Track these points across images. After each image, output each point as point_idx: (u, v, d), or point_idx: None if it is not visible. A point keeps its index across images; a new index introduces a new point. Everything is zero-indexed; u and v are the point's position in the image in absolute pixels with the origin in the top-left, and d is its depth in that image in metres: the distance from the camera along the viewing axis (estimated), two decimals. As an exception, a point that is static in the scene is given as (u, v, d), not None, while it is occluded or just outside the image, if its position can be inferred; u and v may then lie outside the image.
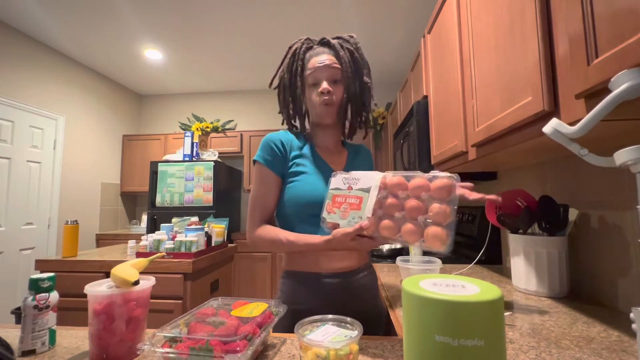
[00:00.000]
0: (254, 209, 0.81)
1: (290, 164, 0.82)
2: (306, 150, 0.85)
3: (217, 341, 0.49)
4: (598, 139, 0.69)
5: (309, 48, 0.85)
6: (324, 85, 0.79)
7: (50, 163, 2.96)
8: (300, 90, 0.83)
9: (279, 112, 0.90)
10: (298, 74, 0.83)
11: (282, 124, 0.90)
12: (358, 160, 0.92)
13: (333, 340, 0.49)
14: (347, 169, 0.87)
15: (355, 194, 0.64)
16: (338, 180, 0.68)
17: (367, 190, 0.62)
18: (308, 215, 0.77)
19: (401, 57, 3.27)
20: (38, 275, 0.62)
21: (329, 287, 0.77)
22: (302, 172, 0.81)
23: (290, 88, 0.84)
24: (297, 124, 0.88)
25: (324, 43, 0.85)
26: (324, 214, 0.67)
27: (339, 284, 0.78)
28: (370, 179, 0.63)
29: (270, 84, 0.88)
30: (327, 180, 0.79)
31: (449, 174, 0.55)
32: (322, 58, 0.80)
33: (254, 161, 0.83)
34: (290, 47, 0.85)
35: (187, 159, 3.01)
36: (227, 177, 3.33)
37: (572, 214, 0.92)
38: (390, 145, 2.96)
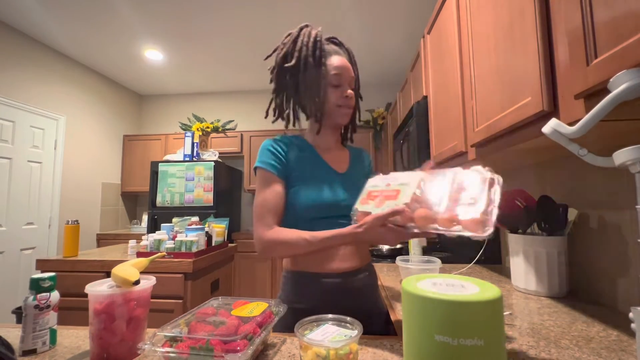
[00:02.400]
0: (263, 214, 0.76)
1: (292, 167, 0.81)
2: (306, 152, 0.84)
3: (217, 341, 0.49)
4: (597, 139, 0.69)
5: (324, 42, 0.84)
6: (350, 90, 0.81)
7: (51, 163, 2.96)
8: (319, 82, 0.79)
9: (277, 94, 0.85)
10: (322, 64, 0.79)
11: (277, 115, 0.86)
12: (359, 164, 0.92)
13: (333, 340, 0.49)
14: (351, 169, 0.87)
15: (393, 187, 0.62)
16: (376, 179, 0.69)
17: (406, 184, 0.61)
18: (312, 218, 0.77)
19: (401, 58, 3.27)
20: (39, 275, 0.62)
21: (330, 287, 0.77)
22: (304, 176, 0.80)
23: (309, 74, 0.79)
24: (299, 113, 0.86)
25: (338, 44, 0.87)
26: (356, 205, 0.66)
27: (340, 284, 0.78)
28: (411, 177, 0.62)
29: (284, 60, 0.82)
30: (329, 182, 0.80)
31: (491, 175, 0.53)
32: (344, 61, 0.81)
33: (255, 168, 0.81)
34: (302, 28, 0.82)
35: (187, 159, 3.02)
36: (227, 177, 3.33)
37: (572, 213, 0.92)
38: (390, 145, 2.96)
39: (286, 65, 0.80)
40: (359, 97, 0.90)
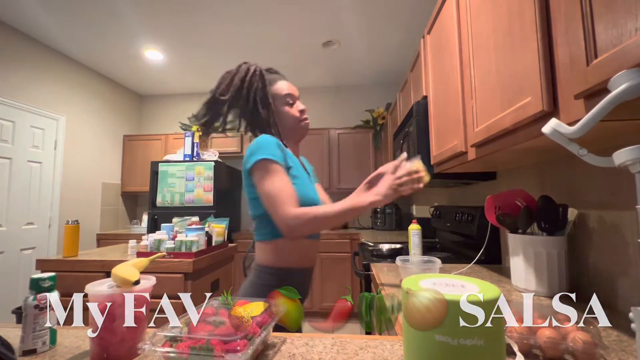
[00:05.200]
0: (284, 197, 0.78)
1: (289, 164, 0.88)
2: (290, 154, 0.92)
3: (217, 340, 0.49)
4: (597, 139, 0.69)
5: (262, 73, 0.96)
6: (302, 105, 0.96)
7: (51, 163, 2.96)
8: (273, 104, 0.94)
9: (245, 123, 0.97)
10: (266, 89, 0.94)
11: (248, 132, 0.98)
12: (310, 170, 1.05)
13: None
14: (311, 175, 1.02)
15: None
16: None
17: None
18: None
19: (401, 58, 3.27)
20: (39, 275, 0.62)
21: (307, 278, 0.95)
22: (297, 176, 0.88)
23: (261, 101, 0.92)
24: (273, 131, 0.96)
25: (275, 72, 1.01)
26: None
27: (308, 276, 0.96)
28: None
29: (223, 94, 0.91)
30: (310, 183, 0.93)
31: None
32: (289, 83, 0.98)
33: (263, 159, 0.81)
34: (240, 66, 0.94)
35: (187, 159, 3.02)
36: (227, 177, 3.33)
37: (572, 213, 0.92)
38: (390, 145, 2.96)
39: (222, 98, 0.91)
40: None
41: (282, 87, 0.95)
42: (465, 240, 1.63)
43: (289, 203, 0.78)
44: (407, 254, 1.58)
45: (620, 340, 0.61)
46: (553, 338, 0.52)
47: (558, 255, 0.89)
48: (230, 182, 3.43)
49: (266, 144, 0.84)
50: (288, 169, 0.86)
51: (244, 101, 0.92)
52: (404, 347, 0.41)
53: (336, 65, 3.41)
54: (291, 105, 0.96)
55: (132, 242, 1.82)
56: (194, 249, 1.64)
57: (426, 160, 1.53)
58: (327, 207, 0.78)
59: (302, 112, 0.96)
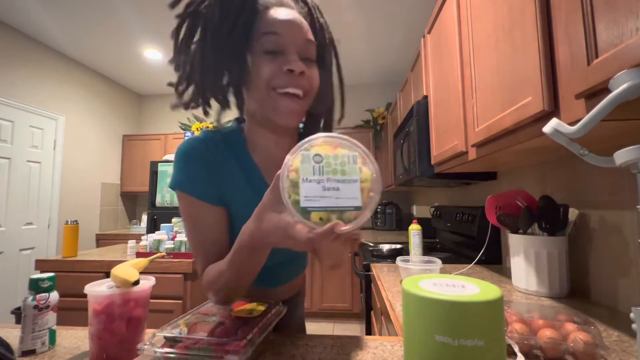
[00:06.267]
0: (195, 251, 0.55)
1: (223, 185, 0.54)
2: (239, 162, 0.56)
3: (217, 341, 0.49)
4: (598, 139, 0.69)
5: None
6: (297, 62, 0.47)
7: (50, 163, 2.96)
8: (243, 49, 0.50)
9: (178, 69, 0.56)
10: (242, 19, 0.48)
11: (179, 91, 0.57)
12: None
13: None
14: None
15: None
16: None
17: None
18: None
19: (401, 57, 3.27)
20: (38, 275, 0.62)
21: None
22: (234, 201, 0.54)
23: (222, 36, 0.48)
24: (221, 97, 0.55)
25: None
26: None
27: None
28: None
29: (174, 4, 0.54)
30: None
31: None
32: (289, 13, 0.49)
33: (176, 190, 0.54)
34: None
35: (187, 159, 3.02)
36: (227, 177, 3.33)
37: (572, 214, 0.92)
38: (390, 145, 2.96)
39: (176, 16, 0.54)
40: (328, 83, 0.56)
41: (269, 16, 0.49)
42: (466, 240, 1.63)
43: (200, 263, 0.54)
44: (408, 254, 1.58)
45: (621, 341, 0.61)
46: (554, 338, 0.52)
47: (559, 256, 0.89)
48: (230, 182, 3.43)
49: (178, 160, 0.52)
50: (222, 199, 0.54)
51: (207, 29, 0.51)
52: (404, 348, 0.41)
53: (336, 65, 3.41)
54: (271, 54, 0.48)
55: (131, 243, 1.82)
56: (194, 249, 1.64)
57: (426, 159, 1.53)
58: (220, 264, 0.49)
59: (289, 73, 0.48)
